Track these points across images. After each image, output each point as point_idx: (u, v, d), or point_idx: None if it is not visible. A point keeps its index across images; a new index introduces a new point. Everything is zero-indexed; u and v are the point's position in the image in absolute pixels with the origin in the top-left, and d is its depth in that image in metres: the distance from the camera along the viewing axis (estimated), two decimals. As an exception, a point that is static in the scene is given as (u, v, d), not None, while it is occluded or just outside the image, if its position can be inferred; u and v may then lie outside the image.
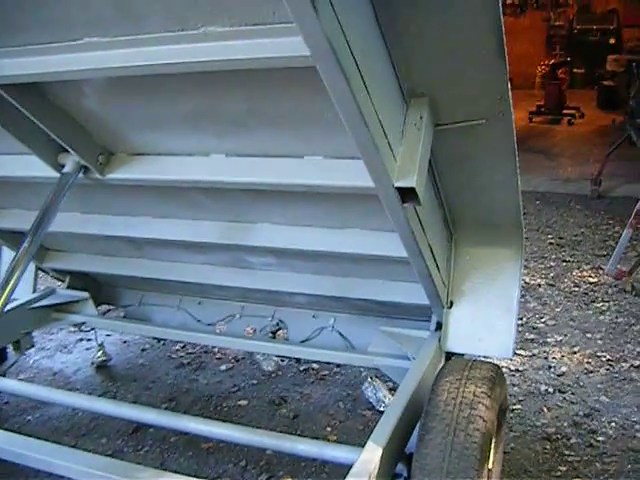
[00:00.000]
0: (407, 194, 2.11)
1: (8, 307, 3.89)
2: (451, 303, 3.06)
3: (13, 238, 3.89)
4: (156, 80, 2.17)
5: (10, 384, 3.52)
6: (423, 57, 2.04)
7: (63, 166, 2.80)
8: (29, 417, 4.13)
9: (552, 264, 6.80)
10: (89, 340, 5.13)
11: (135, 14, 1.89)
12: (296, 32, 1.52)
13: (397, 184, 2.07)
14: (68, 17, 1.97)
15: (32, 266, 4.12)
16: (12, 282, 2.72)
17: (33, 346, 4.25)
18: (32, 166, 2.87)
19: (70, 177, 2.78)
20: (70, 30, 2.01)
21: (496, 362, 2.77)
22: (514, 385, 4.38)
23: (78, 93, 2.44)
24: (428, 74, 2.12)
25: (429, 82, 2.15)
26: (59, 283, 4.42)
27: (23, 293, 4.03)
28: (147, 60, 1.96)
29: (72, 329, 5.20)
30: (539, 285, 6.24)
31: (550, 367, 4.65)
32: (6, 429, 2.73)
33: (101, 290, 4.43)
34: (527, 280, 6.25)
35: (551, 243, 7.46)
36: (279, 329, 3.93)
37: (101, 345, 4.86)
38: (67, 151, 2.72)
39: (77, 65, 2.08)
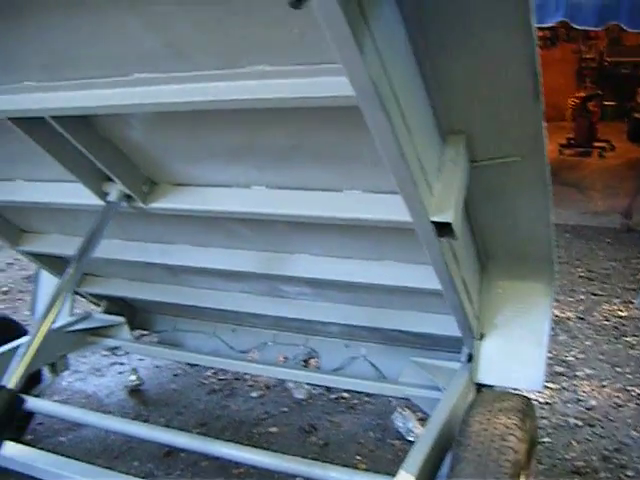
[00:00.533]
0: (443, 228, 2.16)
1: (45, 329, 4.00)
2: (482, 335, 3.08)
3: (51, 261, 4.01)
4: (202, 114, 2.25)
5: (44, 405, 3.57)
6: (461, 96, 2.11)
7: (107, 194, 2.89)
8: (63, 438, 4.19)
9: (582, 297, 6.79)
10: (122, 364, 5.21)
11: (185, 52, 1.97)
12: (341, 72, 1.59)
13: (434, 219, 2.13)
14: (120, 53, 2.06)
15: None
16: (56, 307, 2.79)
17: (68, 369, 4.34)
18: (77, 193, 2.96)
19: (114, 206, 2.87)
20: (121, 66, 2.10)
21: (526, 394, 2.79)
22: (543, 418, 4.38)
23: (125, 125, 2.53)
24: (465, 112, 2.19)
25: (466, 120, 2.22)
26: (92, 306, 4.50)
27: (60, 316, 4.12)
28: (195, 97, 2.04)
29: (105, 352, 5.28)
30: (569, 318, 6.23)
31: (579, 400, 4.65)
32: (40, 449, 2.79)
33: (136, 315, 4.52)
34: (557, 313, 6.24)
35: (581, 276, 7.44)
36: (311, 357, 3.98)
37: (134, 369, 4.93)
38: (112, 180, 2.81)
39: (126, 100, 2.16)
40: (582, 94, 16.65)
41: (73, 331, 4.11)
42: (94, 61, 2.13)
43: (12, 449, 2.66)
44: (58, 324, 4.02)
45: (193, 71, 2.00)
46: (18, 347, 3.56)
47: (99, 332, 4.28)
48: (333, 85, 1.79)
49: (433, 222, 2.14)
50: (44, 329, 2.70)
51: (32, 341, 2.66)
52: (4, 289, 7.75)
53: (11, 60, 2.22)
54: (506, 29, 1.85)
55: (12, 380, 2.48)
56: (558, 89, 17.22)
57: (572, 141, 14.87)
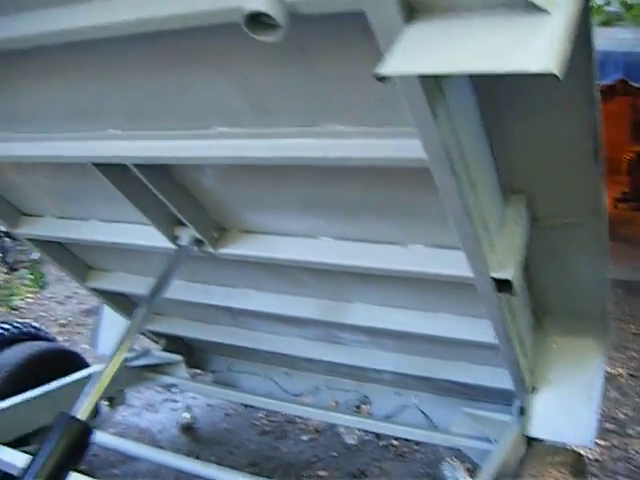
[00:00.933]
0: (503, 285, 2.24)
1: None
2: (534, 389, 3.12)
3: (115, 298, 4.15)
4: (276, 167, 2.37)
5: (101, 437, 3.67)
6: (523, 158, 2.21)
7: (178, 238, 3.02)
8: (116, 470, 4.30)
9: (634, 354, 6.73)
10: (175, 401, 5.32)
11: (266, 110, 2.09)
12: (414, 135, 1.70)
13: (494, 275, 2.21)
14: (203, 107, 2.19)
15: (130, 326, 4.35)
16: (126, 344, 2.91)
17: (124, 403, 4.45)
18: (149, 236, 3.09)
19: (185, 250, 3.00)
20: (204, 119, 2.22)
21: (577, 450, 2.82)
22: (593, 475, 4.36)
23: (201, 173, 2.66)
24: (527, 173, 2.28)
25: (528, 180, 2.31)
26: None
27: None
28: (273, 152, 2.16)
29: (159, 389, 5.39)
30: (620, 375, 6.19)
31: (629, 459, 4.62)
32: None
33: (192, 354, 4.63)
34: (608, 369, 6.20)
35: (634, 333, 7.38)
36: (363, 403, 4.04)
37: (188, 407, 5.03)
38: (184, 225, 2.93)
39: (206, 152, 2.29)
40: (638, 148, 16.56)
41: (132, 367, 4.23)
42: (178, 113, 2.26)
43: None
44: (119, 359, 4.16)
45: (272, 127, 2.12)
46: (83, 379, 3.73)
47: (157, 369, 4.40)
48: (405, 147, 1.89)
49: (493, 278, 2.22)
50: (116, 364, 2.81)
51: (103, 375, 2.76)
52: (62, 321, 7.97)
53: (98, 108, 2.36)
54: (571, 98, 1.94)
55: (83, 411, 2.58)
56: (613, 142, 17.10)
57: (627, 195, 14.78)
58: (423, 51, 1.35)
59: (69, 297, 8.97)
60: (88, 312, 8.04)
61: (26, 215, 3.55)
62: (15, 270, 10.65)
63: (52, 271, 9.99)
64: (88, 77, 2.21)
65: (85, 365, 4.27)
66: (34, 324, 4.73)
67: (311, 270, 3.04)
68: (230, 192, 2.75)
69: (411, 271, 2.61)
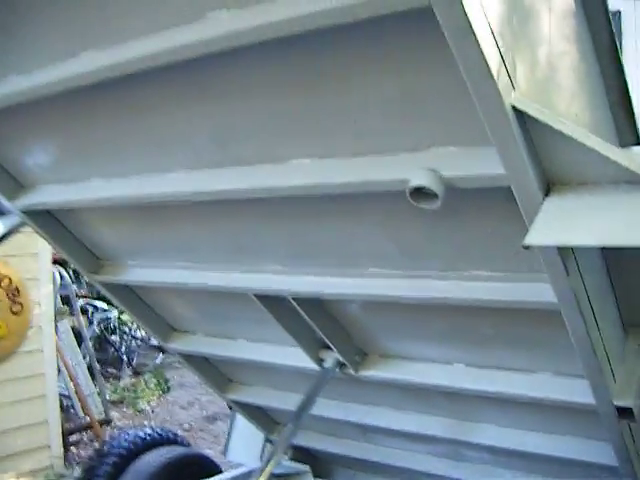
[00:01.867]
0: (624, 412, 2.46)
1: (238, 472, 4.41)
2: None
3: (250, 409, 4.45)
4: (418, 304, 2.69)
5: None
6: (642, 295, 2.47)
7: (323, 361, 3.34)
8: None
9: None
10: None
11: (416, 255, 2.44)
12: (546, 281, 2.00)
13: (616, 403, 2.44)
14: (359, 252, 2.55)
15: (261, 436, 4.64)
16: (275, 459, 3.19)
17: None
18: (294, 357, 3.42)
19: (329, 372, 3.29)
20: (358, 261, 2.58)
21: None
22: None
23: (349, 304, 3.00)
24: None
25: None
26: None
27: (251, 459, 4.53)
28: (419, 292, 2.49)
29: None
30: None
31: None
32: None
33: (318, 464, 4.82)
34: None
35: None
36: (483, 519, 4.13)
37: (312, 516, 5.20)
38: (329, 348, 3.25)
39: (361, 290, 2.63)
40: None
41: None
42: (337, 255, 2.62)
43: None
44: (248, 468, 4.43)
45: (420, 270, 2.45)
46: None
47: (284, 478, 4.61)
48: (537, 292, 2.18)
49: (615, 406, 2.44)
50: (266, 475, 3.10)
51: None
52: (186, 426, 8.33)
53: (264, 246, 2.77)
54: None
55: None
56: None
57: None
58: (562, 224, 1.67)
59: (191, 403, 9.38)
60: (210, 418, 8.42)
61: (177, 331, 3.96)
62: (139, 374, 11.18)
63: (174, 376, 10.48)
64: (260, 222, 2.62)
65: (219, 471, 4.56)
66: (171, 430, 5.08)
67: (445, 393, 3.27)
68: (374, 321, 3.07)
69: (537, 397, 2.83)
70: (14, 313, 6.68)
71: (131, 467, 4.44)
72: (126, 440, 4.62)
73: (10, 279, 6.65)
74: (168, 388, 10.29)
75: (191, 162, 2.43)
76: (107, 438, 6.67)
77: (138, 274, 3.35)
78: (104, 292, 3.63)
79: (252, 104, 2.10)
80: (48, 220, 3.28)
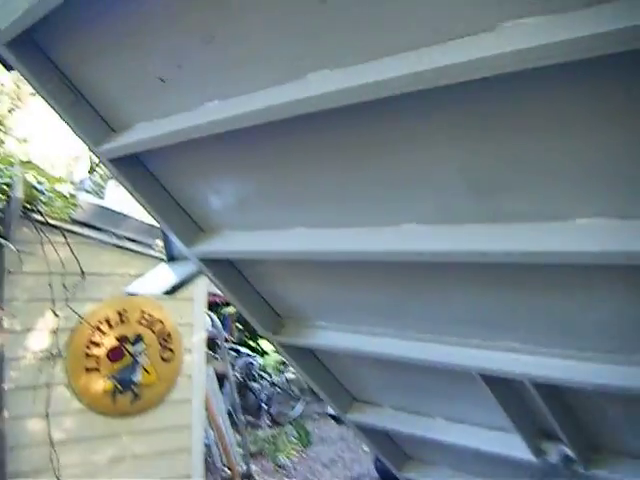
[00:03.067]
0: None
1: None
2: None
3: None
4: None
5: None
6: None
7: (543, 452, 2.77)
8: None
9: None
10: None
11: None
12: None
13: None
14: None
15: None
16: None
17: None
18: (500, 443, 2.87)
19: (549, 465, 2.74)
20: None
21: None
22: None
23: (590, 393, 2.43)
24: None
25: None
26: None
27: None
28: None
29: None
30: None
31: None
32: None
33: None
34: None
35: None
36: None
37: None
38: (553, 439, 2.69)
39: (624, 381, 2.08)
40: None
41: None
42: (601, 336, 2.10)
43: None
44: None
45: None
46: None
47: None
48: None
49: None
50: None
51: None
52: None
53: (494, 319, 2.25)
54: None
55: None
56: None
57: None
58: None
59: (334, 460, 8.92)
60: (355, 480, 7.93)
61: (358, 401, 3.49)
62: (278, 423, 10.82)
63: (316, 430, 10.07)
64: (491, 291, 2.16)
65: None
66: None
67: None
68: (620, 415, 2.49)
69: None
70: (164, 360, 6.42)
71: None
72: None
73: (163, 324, 6.40)
74: (309, 442, 9.87)
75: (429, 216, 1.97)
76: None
77: (327, 337, 2.90)
78: (282, 354, 3.20)
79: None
80: (228, 270, 2.90)
